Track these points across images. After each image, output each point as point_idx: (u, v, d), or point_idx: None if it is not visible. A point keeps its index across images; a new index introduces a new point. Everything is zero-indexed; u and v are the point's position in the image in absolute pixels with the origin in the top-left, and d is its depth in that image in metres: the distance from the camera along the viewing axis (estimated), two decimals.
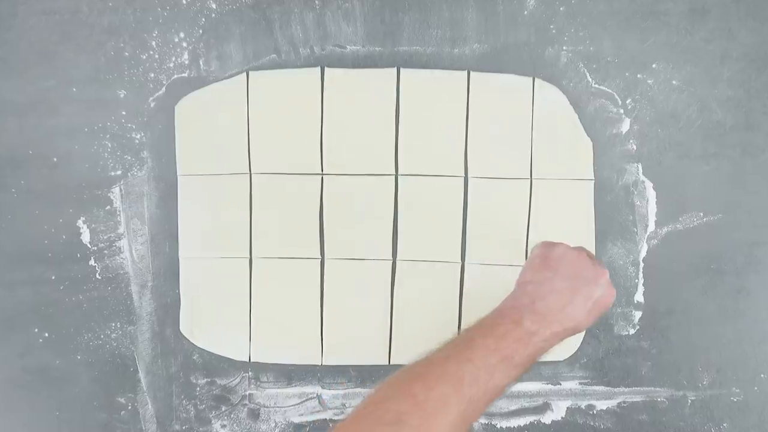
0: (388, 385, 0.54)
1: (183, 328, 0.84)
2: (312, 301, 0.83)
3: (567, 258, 0.65)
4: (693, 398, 0.84)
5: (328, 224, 0.82)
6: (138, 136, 0.82)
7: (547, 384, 0.84)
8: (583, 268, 0.64)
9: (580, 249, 0.67)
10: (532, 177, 0.82)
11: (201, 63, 0.82)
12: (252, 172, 0.82)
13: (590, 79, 0.81)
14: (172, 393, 0.84)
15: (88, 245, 0.83)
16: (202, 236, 0.83)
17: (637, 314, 0.83)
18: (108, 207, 0.83)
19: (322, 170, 0.82)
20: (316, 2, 0.81)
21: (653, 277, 0.83)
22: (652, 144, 0.82)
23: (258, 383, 0.84)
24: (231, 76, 0.82)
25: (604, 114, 0.82)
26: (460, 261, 0.82)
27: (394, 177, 0.82)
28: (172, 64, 0.82)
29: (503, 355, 0.56)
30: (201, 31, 0.81)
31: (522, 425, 0.84)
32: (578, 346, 0.83)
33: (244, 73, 0.82)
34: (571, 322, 0.61)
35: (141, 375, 0.84)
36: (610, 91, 0.81)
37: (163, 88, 0.82)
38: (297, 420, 0.84)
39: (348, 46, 0.81)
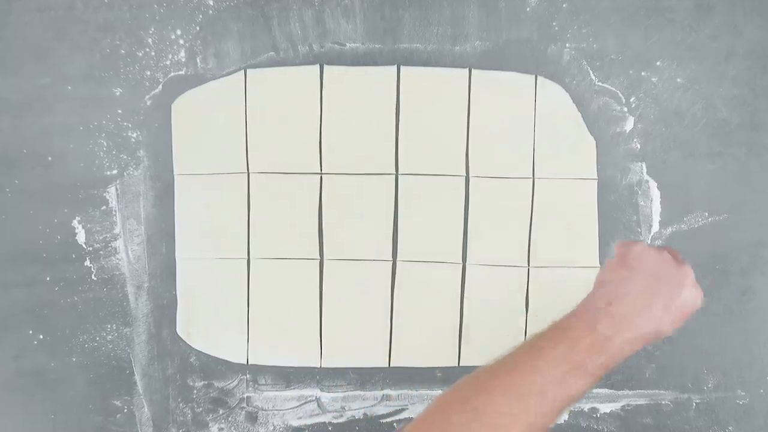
0: (451, 396, 0.53)
1: (180, 330, 0.82)
2: (311, 302, 0.82)
3: (646, 257, 0.60)
4: (698, 401, 0.83)
5: (327, 224, 0.81)
6: (134, 135, 0.81)
7: None
8: (665, 268, 0.59)
9: (662, 248, 0.62)
10: (535, 176, 0.81)
11: (198, 60, 0.80)
12: (250, 171, 0.81)
13: (593, 77, 0.80)
14: (169, 396, 0.83)
15: (84, 246, 0.81)
16: (200, 236, 0.82)
17: None
18: (104, 207, 0.81)
19: (321, 169, 0.81)
20: None
21: None
22: (656, 143, 0.81)
23: (256, 386, 0.83)
24: (229, 73, 0.81)
25: (608, 112, 0.81)
26: (461, 262, 0.81)
27: (394, 176, 0.81)
28: (168, 62, 0.80)
29: (574, 364, 0.52)
30: (198, 28, 0.80)
31: None
32: None
33: (242, 71, 0.80)
34: (650, 327, 0.56)
35: (137, 377, 0.83)
36: (613, 89, 0.80)
37: (160, 86, 0.81)
38: (296, 423, 0.83)
39: (347, 44, 0.80)
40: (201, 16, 0.80)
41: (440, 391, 0.83)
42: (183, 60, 0.80)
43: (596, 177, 0.81)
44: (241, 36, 0.80)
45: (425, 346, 0.82)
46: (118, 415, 0.83)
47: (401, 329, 0.82)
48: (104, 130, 0.81)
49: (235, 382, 0.83)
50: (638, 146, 0.81)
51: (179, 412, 0.83)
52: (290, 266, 0.82)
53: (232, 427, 0.83)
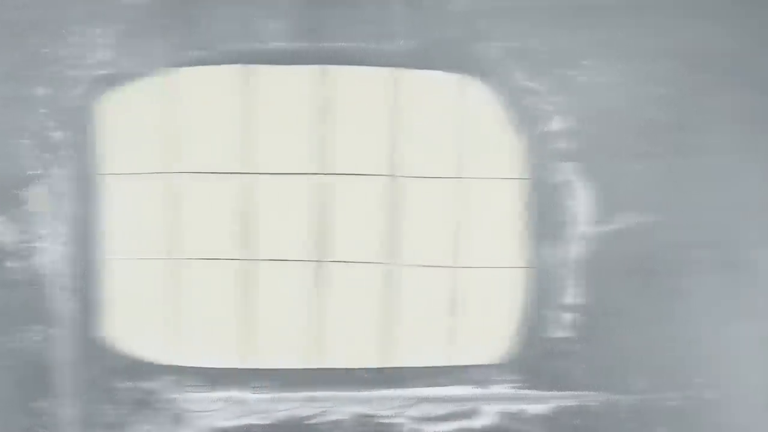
0: None
1: (106, 331, 0.82)
2: (237, 302, 0.81)
3: None
4: (628, 403, 0.82)
5: (246, 224, 0.81)
6: (58, 135, 0.80)
7: (476, 388, 0.82)
8: None
9: None
10: (460, 176, 0.80)
11: (122, 59, 0.80)
12: (174, 171, 0.80)
13: (520, 76, 0.80)
14: (94, 397, 0.82)
15: (6, 246, 0.81)
16: (126, 237, 0.81)
17: (570, 317, 0.81)
18: (27, 207, 0.81)
19: (240, 169, 0.80)
20: None
21: (586, 279, 0.81)
22: (583, 142, 0.80)
23: (181, 387, 0.82)
24: (153, 73, 0.80)
25: (534, 111, 0.80)
26: (387, 262, 0.81)
27: (317, 176, 0.80)
28: (92, 61, 0.80)
29: None
30: (122, 27, 0.79)
31: (450, 430, 0.82)
32: (506, 348, 0.81)
33: (167, 70, 0.80)
34: None
35: (62, 379, 0.82)
36: (539, 87, 0.80)
37: (84, 86, 0.80)
38: (221, 425, 0.82)
39: (272, 43, 0.80)
40: (125, 15, 0.79)
41: (366, 393, 0.82)
42: (107, 59, 0.80)
43: (523, 177, 0.80)
44: (166, 35, 0.80)
45: (349, 346, 0.81)
46: (43, 417, 0.82)
47: (326, 329, 0.81)
48: (27, 129, 0.80)
49: (161, 384, 0.82)
50: (565, 146, 0.80)
51: (104, 414, 0.82)
52: (217, 266, 0.81)
53: (158, 429, 0.82)
